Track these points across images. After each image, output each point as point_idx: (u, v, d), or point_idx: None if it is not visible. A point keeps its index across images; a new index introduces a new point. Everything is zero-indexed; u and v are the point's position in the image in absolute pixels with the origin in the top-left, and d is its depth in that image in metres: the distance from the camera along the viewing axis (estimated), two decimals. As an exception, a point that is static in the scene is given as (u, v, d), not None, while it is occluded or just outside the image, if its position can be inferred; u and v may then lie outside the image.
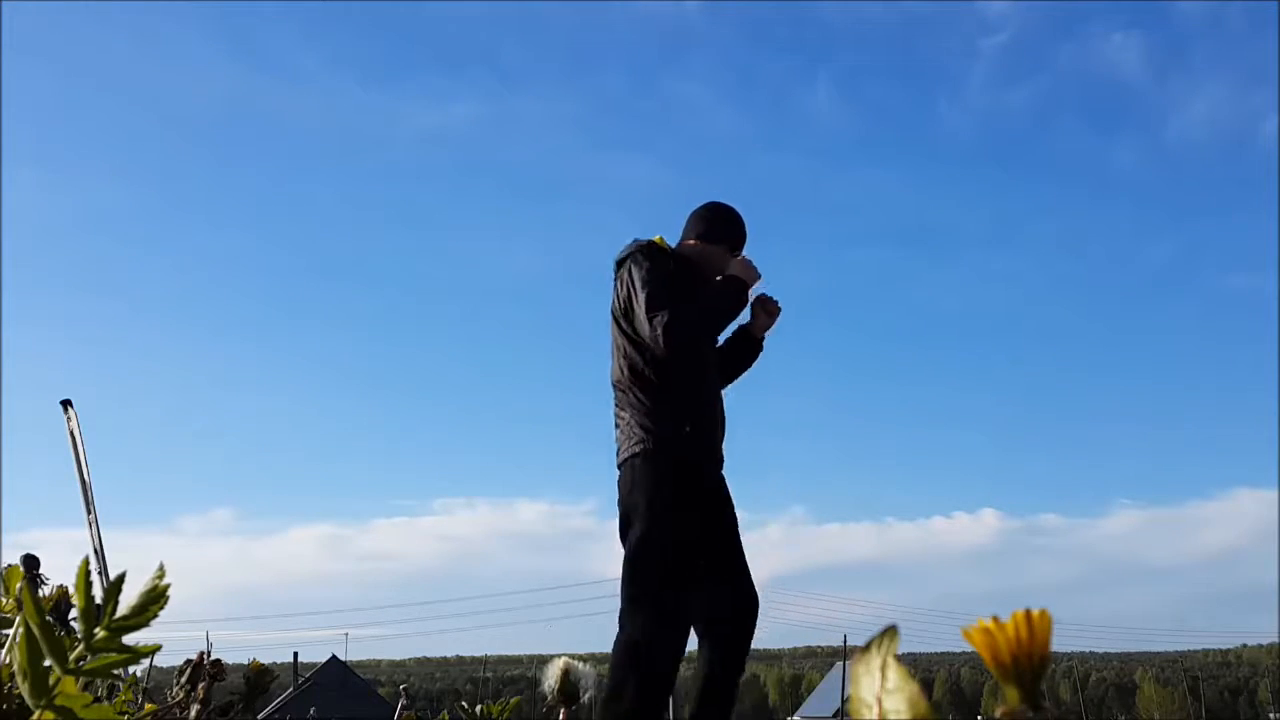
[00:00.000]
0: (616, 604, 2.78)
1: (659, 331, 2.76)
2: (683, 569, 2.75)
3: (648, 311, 2.78)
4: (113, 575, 0.79)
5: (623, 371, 2.90)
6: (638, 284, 2.84)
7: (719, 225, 3.07)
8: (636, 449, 2.80)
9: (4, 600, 1.29)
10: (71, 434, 2.61)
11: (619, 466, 2.89)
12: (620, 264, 2.98)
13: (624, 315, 2.91)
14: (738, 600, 2.85)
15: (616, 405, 2.93)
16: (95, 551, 2.43)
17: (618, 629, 2.77)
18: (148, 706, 1.51)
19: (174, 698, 1.46)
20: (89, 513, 2.45)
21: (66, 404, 2.66)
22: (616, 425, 2.92)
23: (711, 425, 2.92)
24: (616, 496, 2.88)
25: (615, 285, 2.97)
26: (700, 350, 2.94)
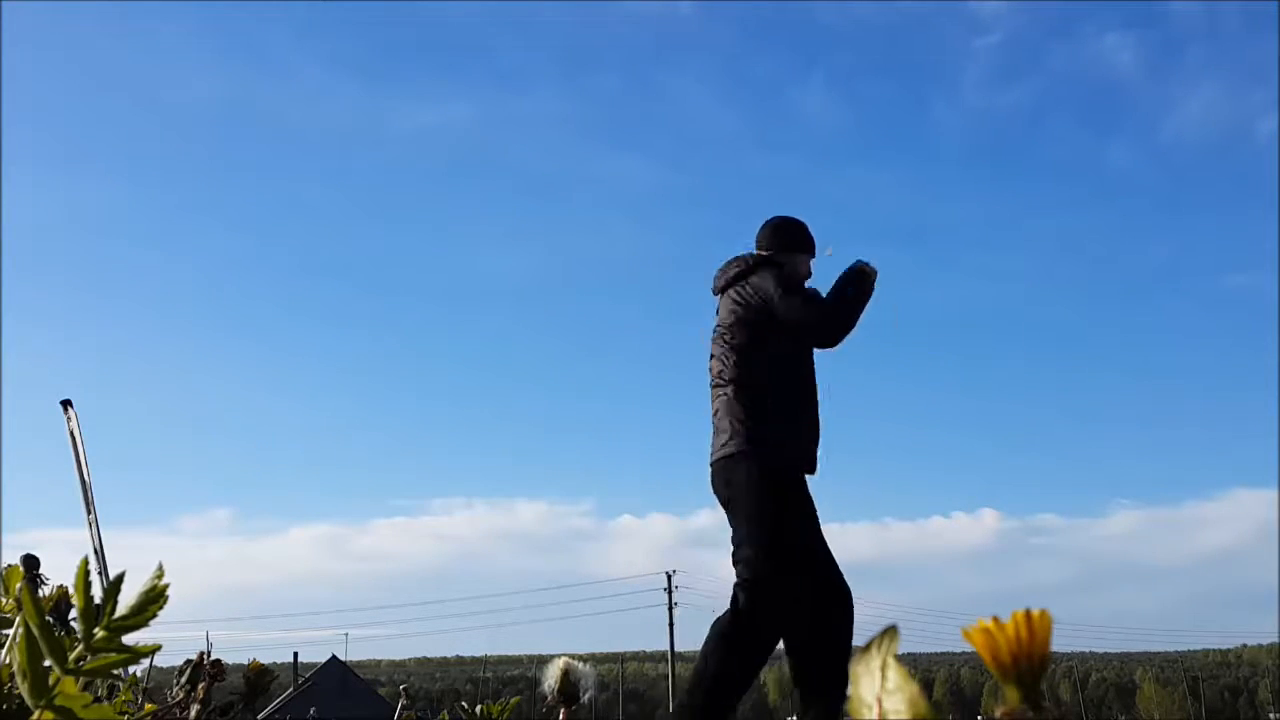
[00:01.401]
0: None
1: (827, 331, 3.10)
2: (785, 570, 2.95)
3: (805, 312, 3.08)
4: (112, 575, 0.79)
5: (731, 371, 3.14)
6: (777, 291, 3.10)
7: (795, 236, 3.38)
8: (733, 449, 3.05)
9: (4, 600, 1.29)
10: (71, 434, 2.61)
11: (714, 463, 3.12)
12: (746, 270, 3.23)
13: (758, 317, 3.14)
14: (835, 600, 3.05)
15: (718, 402, 3.16)
16: (95, 551, 2.43)
17: (729, 613, 2.95)
18: (148, 706, 1.51)
19: (174, 698, 1.46)
20: (89, 513, 2.45)
21: (66, 404, 2.66)
22: (718, 421, 3.14)
23: (810, 429, 3.17)
24: (713, 489, 3.12)
25: (740, 291, 3.19)
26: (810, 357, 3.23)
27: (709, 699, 2.86)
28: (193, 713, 1.42)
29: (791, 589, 2.95)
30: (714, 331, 3.27)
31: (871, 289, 3.25)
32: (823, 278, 3.36)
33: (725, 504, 3.07)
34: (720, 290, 3.28)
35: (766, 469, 3.01)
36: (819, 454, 3.17)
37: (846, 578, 3.07)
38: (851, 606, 3.07)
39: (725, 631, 2.91)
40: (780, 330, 3.12)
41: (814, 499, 3.14)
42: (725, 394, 3.13)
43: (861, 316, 3.23)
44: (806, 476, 3.15)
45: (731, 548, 3.03)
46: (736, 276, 3.23)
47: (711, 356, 3.25)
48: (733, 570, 3.00)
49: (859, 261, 3.27)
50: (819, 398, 3.22)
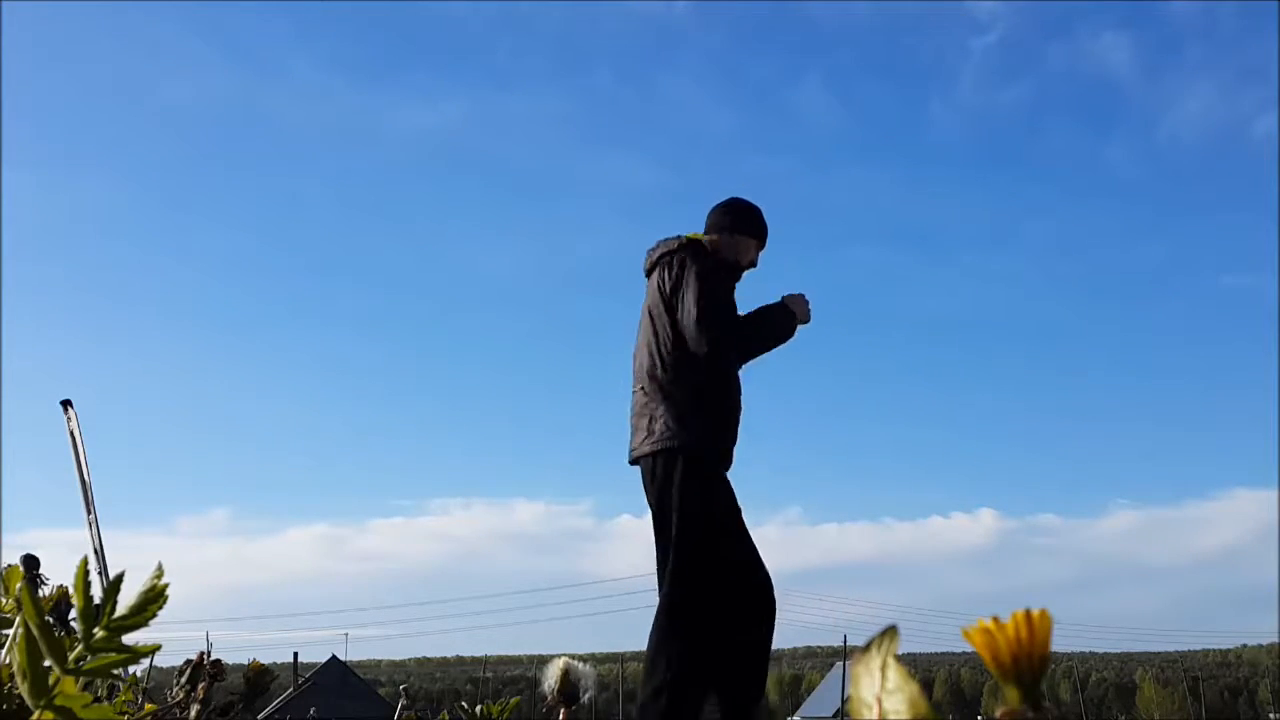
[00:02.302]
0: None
1: (706, 344, 2.86)
2: (720, 567, 2.83)
3: (702, 322, 2.86)
4: (112, 575, 0.79)
5: (658, 364, 2.95)
6: (692, 288, 2.90)
7: (746, 219, 3.18)
8: (665, 444, 2.87)
9: (4, 600, 1.29)
10: (71, 434, 2.61)
11: (642, 458, 2.95)
12: (668, 255, 3.01)
13: (668, 309, 2.95)
14: (758, 595, 2.91)
15: (645, 395, 2.97)
16: (95, 551, 2.42)
17: (655, 622, 2.82)
18: (148, 706, 1.51)
19: (174, 698, 1.46)
20: (89, 513, 2.45)
21: (66, 404, 2.66)
22: (643, 415, 2.96)
23: (734, 426, 3.01)
24: (643, 486, 2.94)
25: (661, 276, 3.00)
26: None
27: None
28: (193, 713, 1.42)
29: (715, 604, 2.81)
30: (641, 319, 3.09)
31: (789, 334, 3.11)
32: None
33: (654, 506, 2.90)
34: (648, 273, 3.09)
35: (693, 468, 2.86)
36: (735, 450, 3.02)
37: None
38: (773, 608, 2.93)
39: (654, 657, 2.75)
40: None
41: (735, 493, 2.99)
42: (646, 391, 2.97)
43: (762, 353, 3.10)
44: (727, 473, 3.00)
45: (657, 553, 2.88)
46: (659, 260, 3.03)
47: (637, 346, 3.06)
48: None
49: (792, 300, 3.13)
50: (741, 392, 3.06)
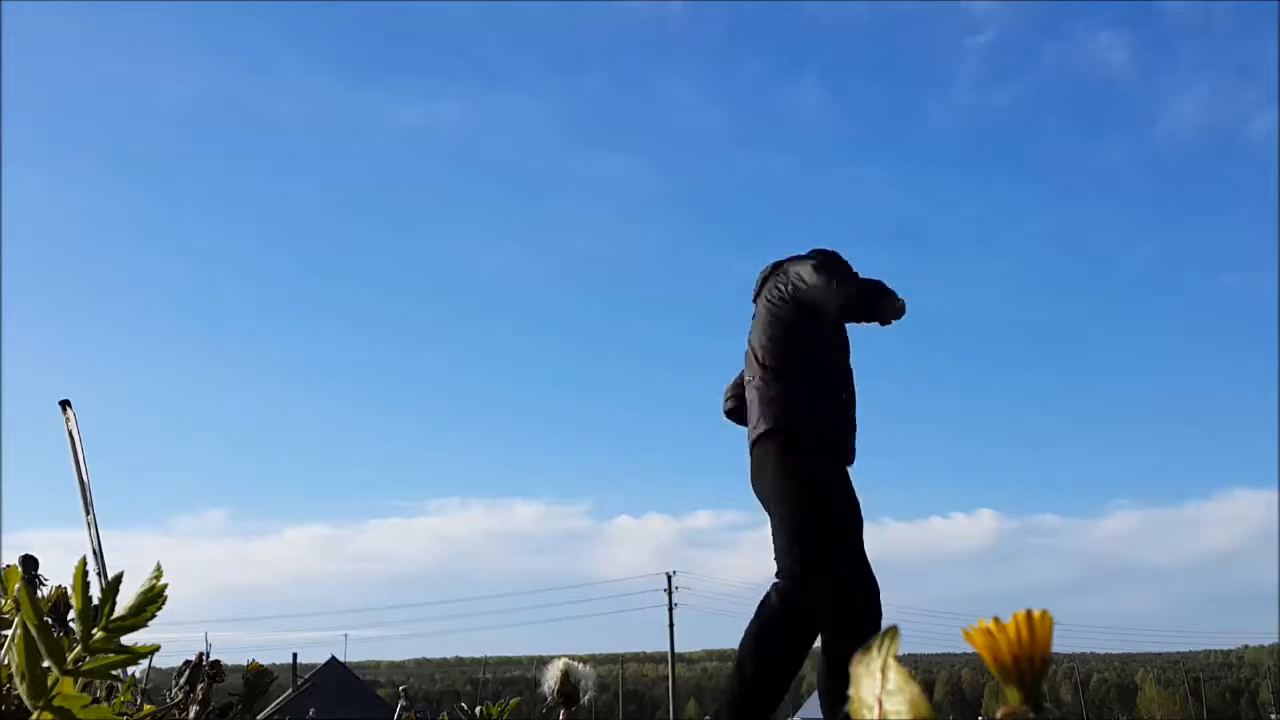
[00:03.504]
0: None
1: (837, 291, 3.01)
2: (823, 559, 2.89)
3: (822, 274, 3.03)
4: (110, 576, 0.79)
5: (767, 355, 3.10)
6: (817, 265, 3.07)
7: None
8: (765, 428, 3.01)
9: (3, 601, 1.29)
10: (70, 434, 2.61)
11: (750, 450, 3.08)
12: (776, 270, 3.22)
13: (791, 296, 3.11)
14: (865, 594, 2.96)
15: (759, 381, 3.10)
16: (94, 552, 2.42)
17: (774, 592, 2.87)
18: (146, 708, 1.51)
19: (173, 699, 1.46)
20: (87, 513, 2.45)
21: (65, 404, 2.66)
22: (752, 405, 3.11)
23: (844, 413, 3.12)
24: (750, 473, 3.07)
25: (774, 286, 3.18)
26: (844, 332, 3.23)
27: (745, 705, 2.81)
28: (192, 714, 1.42)
29: (826, 587, 2.86)
30: (749, 335, 3.26)
31: (892, 309, 3.12)
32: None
33: (762, 496, 3.02)
34: (758, 293, 3.28)
35: (798, 449, 2.96)
36: (856, 446, 3.14)
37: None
38: (879, 605, 2.98)
39: (759, 634, 2.84)
40: (814, 318, 3.10)
41: (856, 491, 3.08)
42: (758, 381, 3.10)
43: (877, 312, 3.12)
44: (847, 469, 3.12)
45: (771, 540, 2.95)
46: (773, 272, 3.24)
47: (747, 356, 3.23)
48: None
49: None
50: (855, 391, 3.18)
